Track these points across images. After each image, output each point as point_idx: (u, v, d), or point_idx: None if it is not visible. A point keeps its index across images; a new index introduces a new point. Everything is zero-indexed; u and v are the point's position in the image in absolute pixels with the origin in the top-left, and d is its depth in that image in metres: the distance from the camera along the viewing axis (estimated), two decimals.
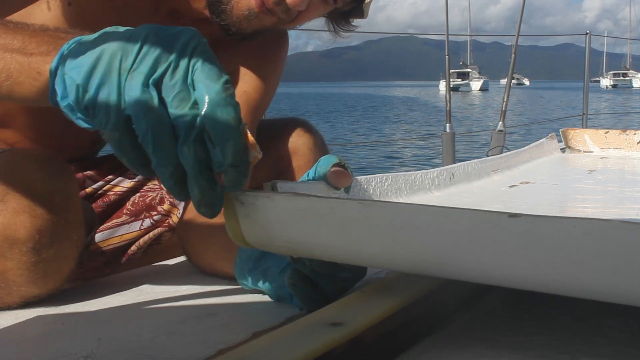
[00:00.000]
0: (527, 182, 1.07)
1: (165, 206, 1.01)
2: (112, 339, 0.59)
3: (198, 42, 0.44)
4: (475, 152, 8.06)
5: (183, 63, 0.42)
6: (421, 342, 0.48)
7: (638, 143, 1.57)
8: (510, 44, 4.69)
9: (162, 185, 1.01)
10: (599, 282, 0.37)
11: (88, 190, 0.97)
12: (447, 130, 3.99)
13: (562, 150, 1.60)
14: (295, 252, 0.51)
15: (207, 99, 0.42)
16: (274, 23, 0.78)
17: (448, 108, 4.09)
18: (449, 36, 4.32)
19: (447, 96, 4.18)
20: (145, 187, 1.02)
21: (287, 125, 1.00)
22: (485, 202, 0.87)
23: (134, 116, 0.41)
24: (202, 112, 0.42)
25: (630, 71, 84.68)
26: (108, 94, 0.42)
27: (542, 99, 35.72)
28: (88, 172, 0.98)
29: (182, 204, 0.97)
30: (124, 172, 1.01)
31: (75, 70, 0.43)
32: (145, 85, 0.41)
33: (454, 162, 1.00)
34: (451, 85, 4.50)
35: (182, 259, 0.95)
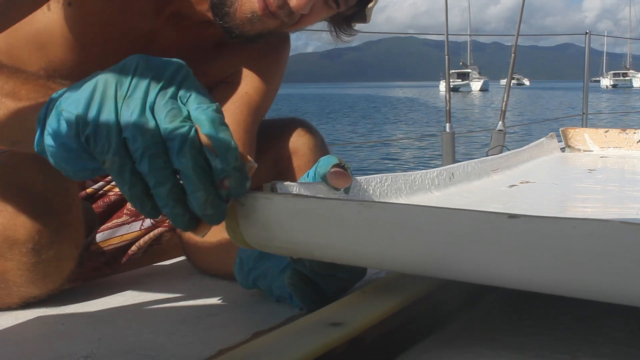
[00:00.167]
0: (527, 182, 1.06)
1: None
2: (112, 339, 0.59)
3: (187, 72, 0.45)
4: (475, 152, 8.06)
5: (174, 87, 0.44)
6: (421, 342, 0.48)
7: (638, 142, 1.57)
8: (510, 44, 4.69)
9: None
10: (599, 283, 0.37)
11: (88, 190, 0.97)
12: (447, 130, 3.99)
13: (562, 149, 1.60)
14: (295, 253, 0.51)
15: (203, 115, 0.43)
16: (276, 26, 0.78)
17: (448, 108, 4.09)
18: (449, 36, 4.33)
19: (447, 96, 4.19)
20: None
21: (287, 126, 1.00)
22: (485, 202, 0.87)
23: (130, 137, 0.42)
24: (200, 125, 0.43)
25: (631, 71, 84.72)
26: (107, 120, 0.42)
27: (542, 99, 35.74)
28: None
29: None
30: None
31: (73, 105, 0.43)
32: (141, 109, 0.43)
33: (453, 162, 1.01)
34: (451, 86, 4.51)
35: (182, 259, 0.95)
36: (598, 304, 0.39)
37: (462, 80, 70.07)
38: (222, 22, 0.77)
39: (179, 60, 0.46)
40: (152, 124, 0.42)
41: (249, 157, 0.46)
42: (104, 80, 0.44)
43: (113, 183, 1.00)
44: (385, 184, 0.78)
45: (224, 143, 0.43)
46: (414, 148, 10.34)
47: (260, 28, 0.78)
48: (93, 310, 0.70)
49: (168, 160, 0.42)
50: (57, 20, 0.76)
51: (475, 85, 67.07)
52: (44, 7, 0.76)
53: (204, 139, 0.43)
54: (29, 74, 0.56)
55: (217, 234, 0.77)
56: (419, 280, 0.53)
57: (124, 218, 1.00)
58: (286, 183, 0.60)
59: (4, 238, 0.69)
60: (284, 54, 0.96)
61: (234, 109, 0.88)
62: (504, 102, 4.21)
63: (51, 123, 0.44)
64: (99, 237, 0.98)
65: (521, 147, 1.36)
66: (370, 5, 0.84)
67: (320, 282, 0.59)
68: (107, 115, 0.43)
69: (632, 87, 73.48)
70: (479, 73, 75.21)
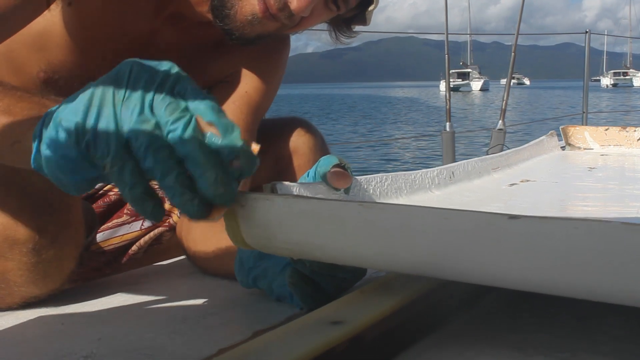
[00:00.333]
0: (528, 180, 1.06)
1: (166, 206, 1.01)
2: (112, 338, 0.59)
3: (179, 70, 0.46)
4: (475, 153, 8.06)
5: (169, 84, 0.44)
6: (421, 341, 0.48)
7: (638, 140, 1.57)
8: (510, 43, 4.69)
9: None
10: (600, 284, 0.37)
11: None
12: (447, 129, 3.99)
13: (562, 147, 1.60)
14: (295, 253, 0.51)
15: (202, 105, 0.44)
16: (277, 28, 0.78)
17: (448, 107, 4.09)
18: (449, 36, 4.33)
19: (447, 95, 4.19)
20: None
21: (288, 125, 1.00)
22: (486, 201, 0.87)
23: (132, 137, 0.42)
24: (200, 114, 0.43)
25: (631, 70, 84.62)
26: (107, 125, 0.43)
27: (542, 98, 35.72)
28: None
29: None
30: None
31: (71, 113, 0.44)
32: (141, 108, 0.43)
33: (454, 162, 1.00)
34: (452, 86, 4.52)
35: (182, 258, 0.95)
36: (598, 302, 0.39)
37: (463, 80, 70.02)
38: (222, 24, 0.77)
39: (170, 62, 0.46)
40: (152, 120, 0.43)
41: (250, 141, 0.46)
42: (101, 88, 0.45)
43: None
44: (386, 183, 0.78)
45: (228, 124, 0.43)
46: (414, 149, 10.34)
47: (261, 30, 0.77)
48: (93, 310, 0.70)
49: (172, 152, 0.43)
50: (57, 21, 0.76)
51: (476, 85, 67.04)
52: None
53: (206, 126, 0.43)
54: (24, 92, 0.56)
55: (217, 233, 0.77)
56: (418, 279, 0.53)
57: (124, 218, 1.00)
58: (286, 183, 0.60)
59: (4, 238, 0.69)
60: (284, 54, 0.96)
61: (234, 108, 0.88)
62: (504, 101, 4.22)
63: (49, 135, 0.45)
64: (99, 237, 0.98)
65: (521, 145, 1.36)
66: (370, 8, 0.84)
67: (320, 281, 0.59)
68: (106, 119, 0.43)
69: (633, 86, 73.43)
70: (479, 73, 75.15)
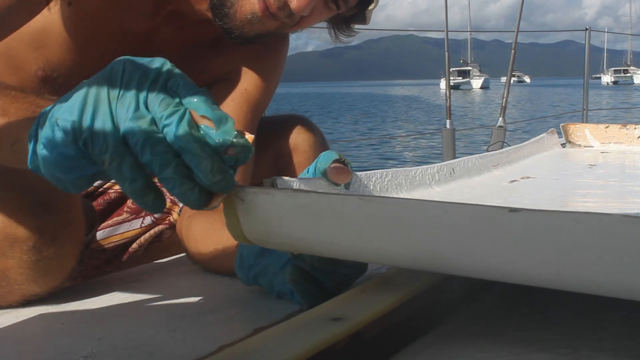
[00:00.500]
0: (528, 177, 1.06)
1: (166, 204, 1.01)
2: (113, 336, 0.59)
3: (172, 66, 0.46)
4: (475, 150, 8.05)
5: (162, 80, 0.45)
6: (422, 337, 0.48)
7: (638, 137, 1.57)
8: (510, 41, 4.69)
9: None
10: (601, 277, 0.37)
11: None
12: (447, 126, 3.99)
13: (563, 145, 1.60)
14: (296, 248, 0.51)
15: (195, 98, 0.44)
16: (276, 27, 0.78)
17: (448, 104, 4.09)
18: (449, 34, 4.33)
19: (447, 92, 4.19)
20: None
21: (288, 122, 1.00)
22: (486, 197, 0.87)
23: (129, 132, 0.43)
24: (193, 108, 0.44)
25: (631, 67, 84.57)
26: (103, 122, 0.43)
27: (542, 96, 35.70)
28: None
29: None
30: None
31: (67, 112, 0.44)
32: (136, 105, 0.44)
33: (454, 159, 1.01)
34: (452, 84, 4.52)
35: (182, 256, 0.95)
36: (599, 297, 0.39)
37: (463, 78, 69.98)
38: (221, 23, 0.77)
39: (162, 58, 0.46)
40: (148, 116, 0.43)
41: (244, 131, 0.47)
42: (95, 87, 0.45)
43: (113, 180, 1.00)
44: (386, 179, 0.78)
45: (221, 116, 0.44)
46: (414, 147, 10.33)
47: (260, 29, 0.77)
48: (94, 307, 0.70)
49: (168, 145, 0.43)
50: (56, 20, 0.76)
51: (476, 82, 67.01)
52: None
53: (199, 119, 0.44)
54: (18, 91, 0.56)
55: (217, 231, 0.77)
56: (419, 275, 0.53)
57: (125, 216, 1.00)
58: (286, 178, 0.60)
59: (4, 236, 0.69)
60: (283, 51, 0.96)
61: (234, 106, 0.88)
62: (504, 99, 4.22)
63: (46, 135, 0.45)
64: (99, 234, 0.98)
65: (522, 143, 1.36)
66: (370, 7, 0.84)
67: (321, 278, 0.59)
68: (103, 116, 0.43)
69: (633, 83, 73.37)
70: (480, 71, 75.09)
